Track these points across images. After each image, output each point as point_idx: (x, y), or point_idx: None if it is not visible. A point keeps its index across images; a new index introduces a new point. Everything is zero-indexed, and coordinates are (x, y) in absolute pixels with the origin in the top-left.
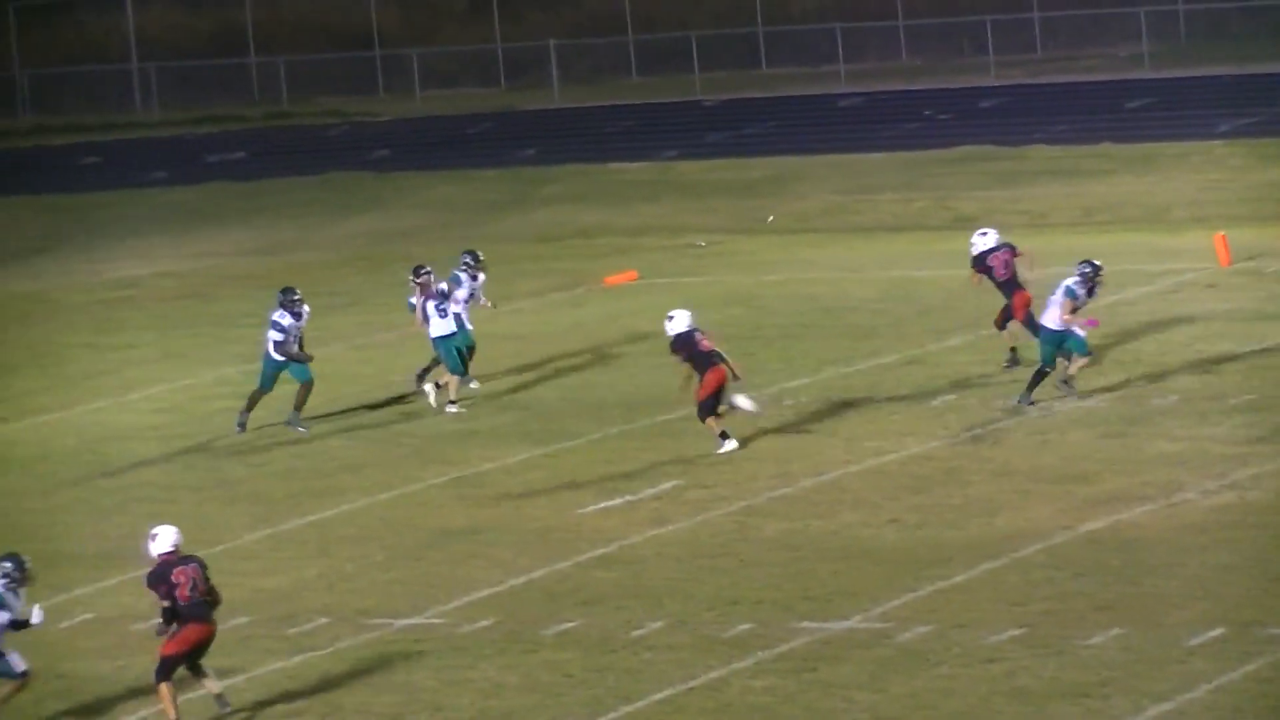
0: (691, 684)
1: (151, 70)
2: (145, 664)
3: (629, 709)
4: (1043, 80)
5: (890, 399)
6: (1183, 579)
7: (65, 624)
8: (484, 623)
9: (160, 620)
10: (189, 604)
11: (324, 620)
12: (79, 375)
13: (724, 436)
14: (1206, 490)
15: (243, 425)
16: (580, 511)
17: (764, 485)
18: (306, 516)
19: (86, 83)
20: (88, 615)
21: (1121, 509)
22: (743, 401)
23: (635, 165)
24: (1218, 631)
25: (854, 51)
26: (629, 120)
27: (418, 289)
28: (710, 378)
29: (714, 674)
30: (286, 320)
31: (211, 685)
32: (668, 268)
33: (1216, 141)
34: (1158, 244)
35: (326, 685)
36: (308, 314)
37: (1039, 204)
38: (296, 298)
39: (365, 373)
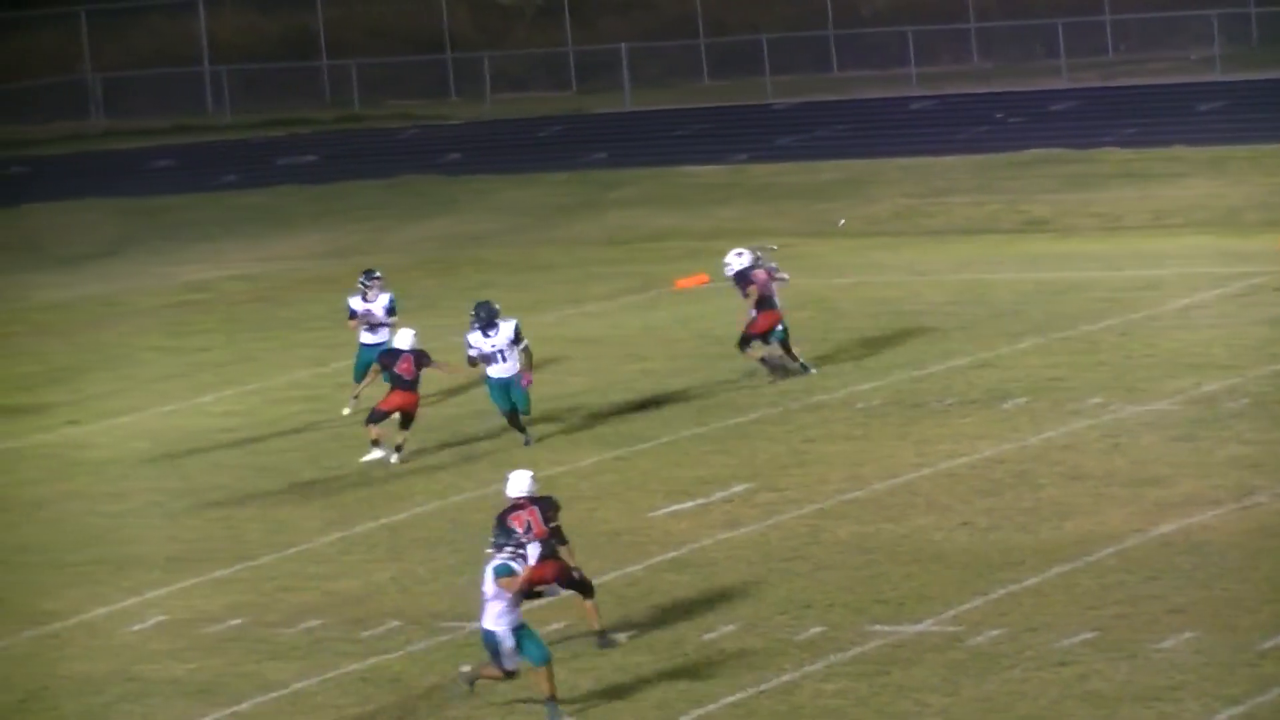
0: (763, 687)
1: (223, 73)
2: (218, 666)
3: (700, 712)
4: (1114, 83)
5: (962, 402)
6: (1255, 582)
7: (137, 627)
8: (556, 625)
9: None
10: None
11: (396, 623)
12: (151, 378)
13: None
14: (1278, 493)
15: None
16: (651, 515)
17: (835, 488)
18: (378, 519)
19: (158, 86)
20: (160, 617)
21: (1193, 512)
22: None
23: (706, 168)
24: None
25: (925, 54)
26: (700, 123)
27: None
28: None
29: (786, 677)
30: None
31: (592, 617)
32: None
33: None
34: (1229, 247)
35: (400, 688)
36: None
37: (1110, 207)
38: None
39: (436, 376)
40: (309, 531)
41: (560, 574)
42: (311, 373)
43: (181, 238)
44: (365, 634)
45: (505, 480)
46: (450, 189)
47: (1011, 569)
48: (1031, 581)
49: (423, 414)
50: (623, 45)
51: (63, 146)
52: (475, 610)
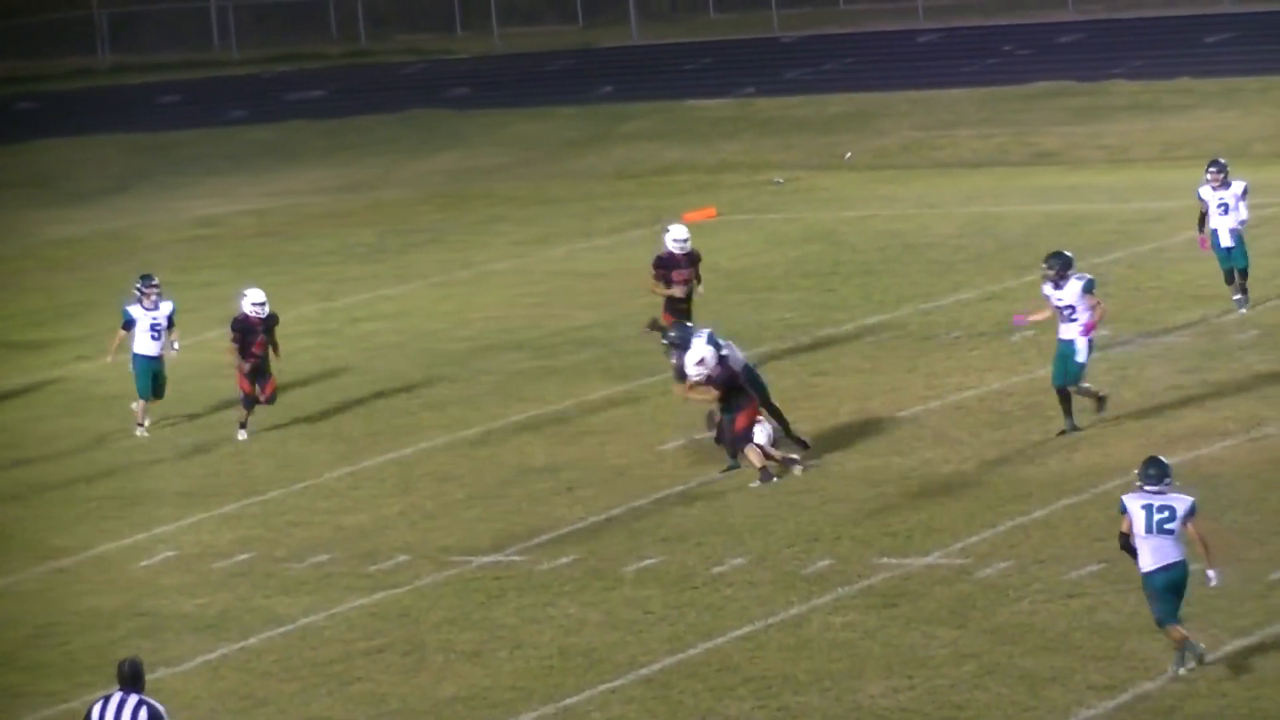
0: (772, 620)
1: (230, 8)
2: (227, 601)
3: (709, 645)
4: (1122, 15)
5: (970, 334)
6: (1264, 514)
7: (146, 562)
8: (564, 560)
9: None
10: None
11: (405, 558)
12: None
13: None
14: None
15: None
16: (661, 448)
17: (844, 421)
18: (387, 454)
19: (165, 21)
20: (170, 553)
21: (1201, 444)
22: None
23: (714, 102)
24: None
25: None
26: (707, 57)
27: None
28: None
29: (794, 610)
30: None
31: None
32: (747, 204)
33: None
34: (1238, 179)
35: (408, 622)
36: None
37: (1119, 139)
38: None
39: (444, 310)
40: (318, 466)
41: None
42: (320, 307)
43: (190, 173)
44: (373, 568)
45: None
46: (459, 123)
47: (1020, 501)
48: (1039, 514)
49: (427, 351)
50: None
51: (71, 82)
52: (485, 544)
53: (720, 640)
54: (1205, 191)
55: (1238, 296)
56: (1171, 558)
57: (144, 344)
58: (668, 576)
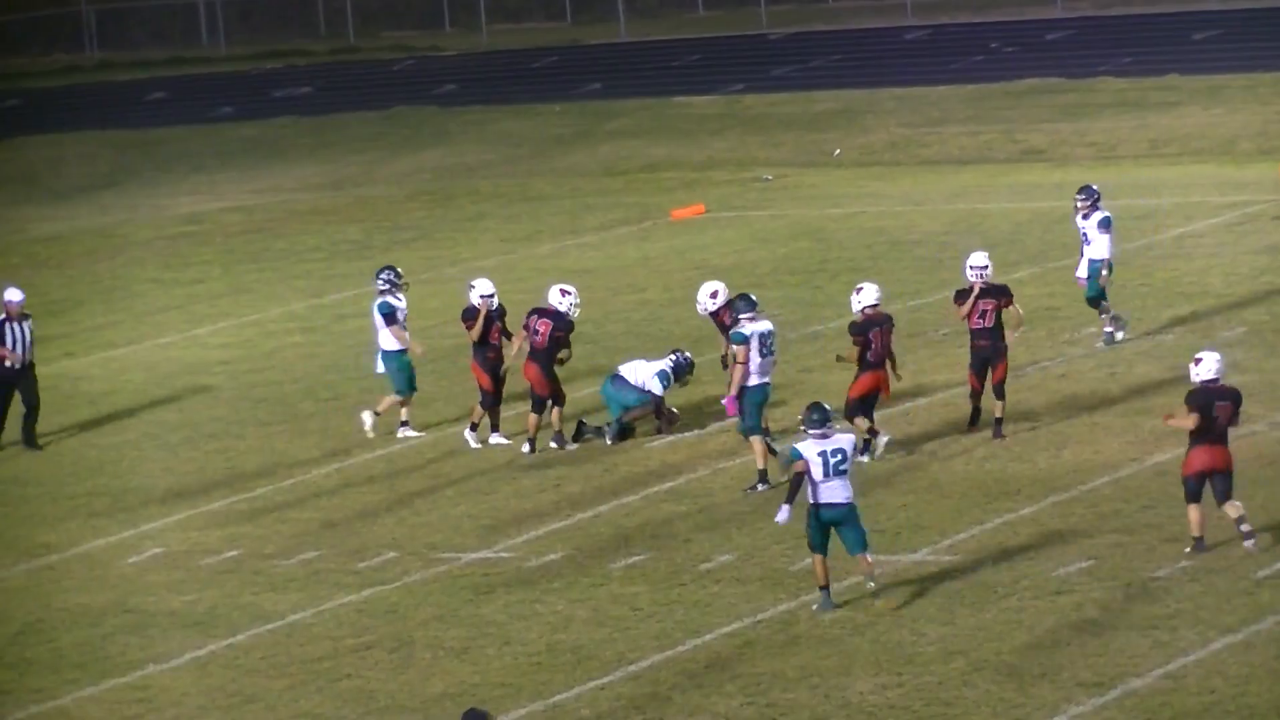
0: (760, 617)
1: (218, 5)
2: (215, 598)
3: (697, 642)
4: (1109, 12)
5: (958, 331)
6: (1251, 510)
7: (134, 559)
8: (552, 556)
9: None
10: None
11: (393, 554)
12: (146, 310)
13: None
14: (1275, 422)
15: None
16: (649, 445)
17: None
18: (375, 451)
19: (153, 18)
20: (157, 550)
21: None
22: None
23: (702, 99)
24: None
25: None
26: (695, 54)
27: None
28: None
29: (783, 607)
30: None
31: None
32: (735, 201)
33: None
34: (1224, 176)
35: (396, 619)
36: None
37: (1106, 136)
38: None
39: (432, 306)
40: (306, 463)
41: None
42: (307, 304)
43: (177, 170)
44: (362, 565)
45: None
46: (445, 120)
47: (1008, 499)
48: (1028, 511)
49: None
50: None
51: (57, 79)
52: (473, 541)
53: (709, 637)
54: (1079, 220)
55: (1107, 330)
56: (841, 498)
57: (390, 339)
58: (655, 573)
